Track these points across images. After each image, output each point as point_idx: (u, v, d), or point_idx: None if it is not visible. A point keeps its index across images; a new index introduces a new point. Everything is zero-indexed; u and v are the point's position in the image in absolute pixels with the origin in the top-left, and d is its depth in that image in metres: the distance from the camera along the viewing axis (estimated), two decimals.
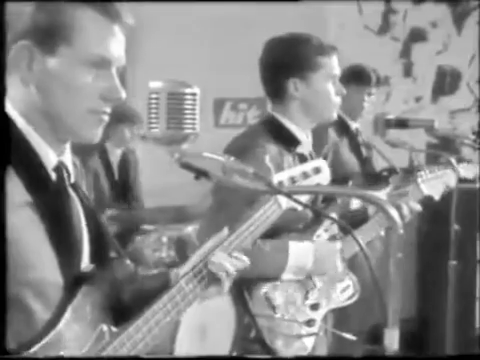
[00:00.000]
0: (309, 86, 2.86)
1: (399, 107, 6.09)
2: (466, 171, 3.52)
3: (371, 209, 3.14)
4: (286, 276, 2.75)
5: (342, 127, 4.20)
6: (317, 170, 2.26)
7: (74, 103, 1.64)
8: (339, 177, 3.76)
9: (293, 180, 2.20)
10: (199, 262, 1.85)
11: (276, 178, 2.11)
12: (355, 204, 3.13)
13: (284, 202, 2.12)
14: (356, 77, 4.31)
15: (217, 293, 1.89)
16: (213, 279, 1.85)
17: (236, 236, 1.94)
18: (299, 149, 2.85)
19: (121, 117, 4.51)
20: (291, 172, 2.22)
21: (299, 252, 2.76)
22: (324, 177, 2.27)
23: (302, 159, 2.81)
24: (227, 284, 1.89)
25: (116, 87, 1.67)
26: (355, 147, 4.23)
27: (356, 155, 4.22)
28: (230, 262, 1.88)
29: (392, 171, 3.49)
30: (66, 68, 1.63)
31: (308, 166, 2.28)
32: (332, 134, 4.10)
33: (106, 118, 1.69)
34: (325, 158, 3.96)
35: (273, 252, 2.71)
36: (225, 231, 1.93)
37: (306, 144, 2.89)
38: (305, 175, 2.23)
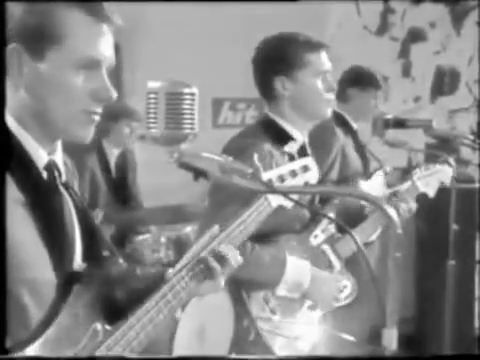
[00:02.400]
0: (297, 84, 2.85)
1: (398, 107, 6.08)
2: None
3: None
4: (281, 291, 2.74)
5: (346, 128, 4.19)
6: (305, 168, 2.26)
7: (65, 105, 1.64)
8: (345, 177, 3.76)
9: (282, 178, 2.19)
10: (191, 259, 1.85)
11: (264, 176, 2.10)
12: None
13: (274, 200, 2.12)
14: (362, 80, 4.27)
15: (212, 289, 1.89)
16: (205, 276, 1.86)
17: (227, 234, 1.95)
18: (288, 148, 2.83)
19: (119, 114, 4.49)
20: (279, 170, 2.21)
21: (296, 268, 2.75)
22: (312, 175, 2.26)
23: (292, 158, 2.80)
24: (222, 280, 1.89)
25: (107, 87, 1.67)
26: (358, 147, 4.23)
27: (360, 155, 4.22)
28: (233, 255, 1.89)
29: (385, 171, 3.49)
30: (56, 71, 1.63)
31: (296, 164, 2.27)
32: (340, 134, 4.09)
33: (97, 118, 1.70)
34: (335, 159, 3.96)
35: (270, 262, 2.71)
36: (216, 229, 1.93)
37: (299, 143, 2.88)
38: (293, 173, 2.22)
